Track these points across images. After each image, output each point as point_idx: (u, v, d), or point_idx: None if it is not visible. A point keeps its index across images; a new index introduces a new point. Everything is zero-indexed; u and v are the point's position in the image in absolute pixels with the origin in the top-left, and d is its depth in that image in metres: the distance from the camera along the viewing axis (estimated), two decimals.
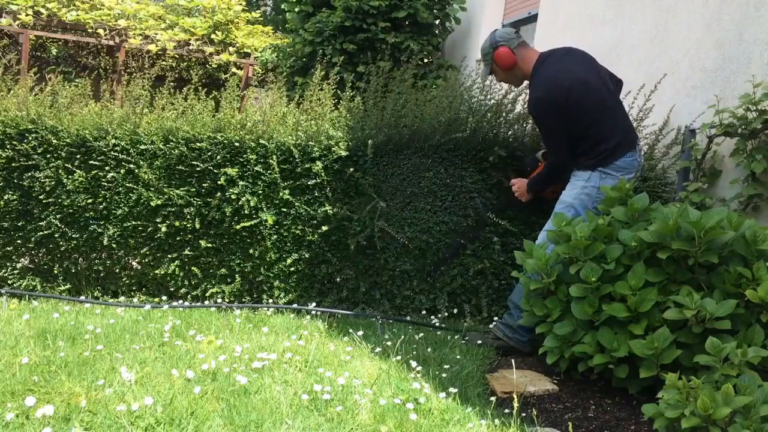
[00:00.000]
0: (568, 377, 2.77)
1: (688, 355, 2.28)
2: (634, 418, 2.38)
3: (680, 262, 2.44)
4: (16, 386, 2.34)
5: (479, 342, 3.16)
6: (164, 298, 3.78)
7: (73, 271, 3.80)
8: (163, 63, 8.62)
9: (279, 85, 4.08)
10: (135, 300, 3.78)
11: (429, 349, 3.02)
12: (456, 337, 3.25)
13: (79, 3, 8.58)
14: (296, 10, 6.69)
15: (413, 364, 2.73)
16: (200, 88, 4.24)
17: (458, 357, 2.94)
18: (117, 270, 3.81)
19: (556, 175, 3.19)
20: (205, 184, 3.65)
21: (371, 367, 2.75)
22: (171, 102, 3.95)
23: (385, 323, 3.42)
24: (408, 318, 3.60)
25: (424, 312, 3.70)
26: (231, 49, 8.75)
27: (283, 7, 7.16)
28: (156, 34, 8.54)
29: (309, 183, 3.61)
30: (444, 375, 2.69)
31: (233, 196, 3.61)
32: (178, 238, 3.71)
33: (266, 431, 2.12)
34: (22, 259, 3.82)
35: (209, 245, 3.68)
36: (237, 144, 3.60)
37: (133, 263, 3.82)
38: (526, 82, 3.25)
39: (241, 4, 9.13)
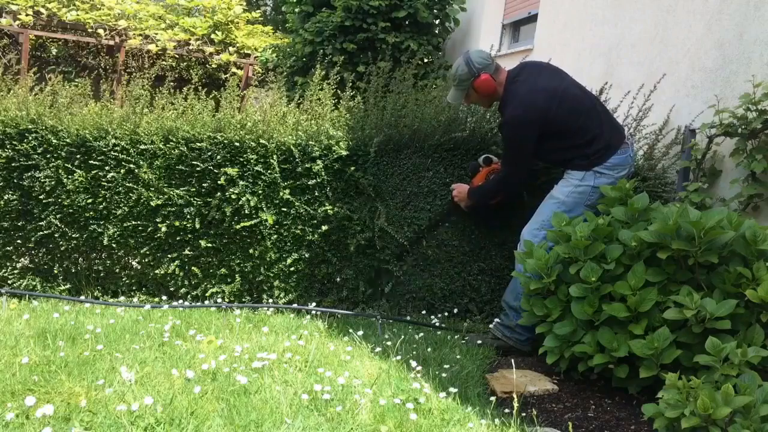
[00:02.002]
0: (568, 377, 2.77)
1: (688, 355, 2.28)
2: (634, 418, 2.38)
3: (680, 262, 2.44)
4: (16, 386, 2.34)
5: (479, 342, 3.17)
6: (164, 298, 3.78)
7: (73, 270, 3.80)
8: (163, 63, 8.62)
9: (279, 85, 4.08)
10: (135, 300, 3.78)
11: (429, 349, 3.02)
12: (456, 337, 3.25)
13: (79, 3, 8.58)
14: (296, 10, 6.69)
15: (413, 364, 2.73)
16: (200, 88, 4.24)
17: (458, 357, 2.94)
18: (117, 270, 3.81)
19: (506, 189, 3.21)
20: (205, 184, 3.65)
21: (371, 366, 2.75)
22: (171, 102, 3.94)
23: (385, 323, 3.42)
24: (408, 318, 3.60)
25: (424, 312, 3.70)
26: (231, 49, 8.75)
27: (283, 8, 7.16)
28: (156, 34, 8.54)
29: (309, 183, 3.61)
30: (444, 375, 2.69)
31: (233, 196, 3.61)
32: (178, 238, 3.71)
33: (266, 431, 2.12)
34: (22, 259, 3.81)
35: (209, 245, 3.68)
36: (237, 144, 3.60)
37: (133, 263, 3.82)
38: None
39: (241, 4, 9.13)
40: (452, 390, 2.49)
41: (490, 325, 3.24)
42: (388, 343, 3.03)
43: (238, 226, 3.62)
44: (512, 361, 2.88)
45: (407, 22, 6.30)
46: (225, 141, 3.60)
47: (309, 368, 2.67)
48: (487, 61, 3.09)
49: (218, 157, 3.61)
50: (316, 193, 3.63)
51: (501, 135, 3.21)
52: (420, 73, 6.04)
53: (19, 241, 3.77)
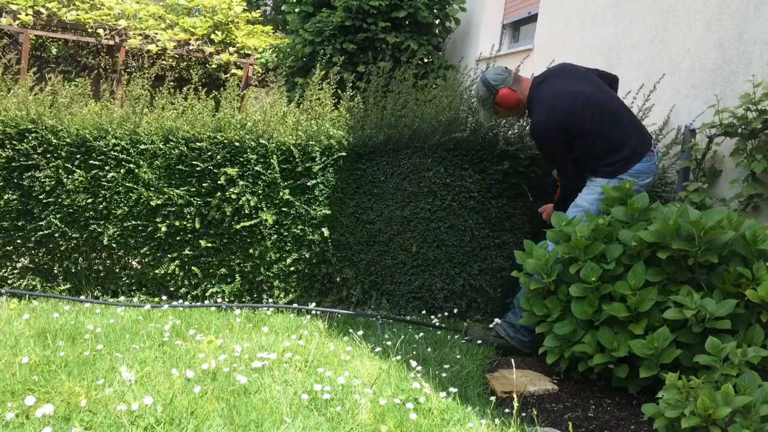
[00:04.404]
0: (568, 377, 2.77)
1: (688, 355, 2.28)
2: (634, 417, 2.38)
3: (680, 262, 2.44)
4: (16, 386, 2.34)
5: (479, 342, 3.17)
6: (164, 297, 3.78)
7: (73, 270, 3.80)
8: (163, 63, 8.62)
9: (279, 85, 4.08)
10: (135, 300, 3.78)
11: (429, 349, 3.02)
12: (456, 336, 3.25)
13: (79, 3, 8.58)
14: (296, 10, 6.69)
15: (413, 363, 2.73)
16: (200, 87, 4.24)
17: (458, 357, 2.94)
18: (117, 270, 3.81)
19: (572, 194, 3.18)
20: (205, 184, 3.65)
21: (371, 366, 2.75)
22: (171, 102, 3.94)
23: (385, 323, 3.42)
24: (408, 318, 3.60)
25: (424, 312, 3.70)
26: (231, 49, 8.75)
27: (283, 8, 7.16)
28: (156, 33, 8.54)
29: (309, 183, 3.61)
30: (444, 375, 2.69)
31: (233, 196, 3.61)
32: (178, 238, 3.71)
33: (266, 431, 2.12)
34: (22, 259, 3.81)
35: (209, 245, 3.68)
36: (237, 144, 3.60)
37: (133, 263, 3.82)
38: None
39: (241, 4, 9.12)
40: (452, 390, 2.49)
41: (494, 323, 3.25)
42: (388, 343, 3.03)
43: (238, 226, 3.62)
44: (512, 361, 2.88)
45: (407, 22, 6.29)
46: (225, 141, 3.60)
47: (309, 368, 2.67)
48: (502, 75, 3.13)
49: (218, 157, 3.61)
50: (316, 193, 3.63)
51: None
52: (420, 73, 6.03)
53: (19, 241, 3.77)
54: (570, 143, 2.98)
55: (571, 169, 3.08)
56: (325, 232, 3.64)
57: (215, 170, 3.62)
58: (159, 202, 3.64)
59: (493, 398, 2.51)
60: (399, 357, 2.84)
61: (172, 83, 4.12)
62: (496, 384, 2.67)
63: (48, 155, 3.68)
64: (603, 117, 2.97)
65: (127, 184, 3.67)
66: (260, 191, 3.62)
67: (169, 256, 3.73)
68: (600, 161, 2.99)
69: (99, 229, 3.72)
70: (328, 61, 5.63)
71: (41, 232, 3.72)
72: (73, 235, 3.73)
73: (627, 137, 2.99)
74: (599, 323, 2.49)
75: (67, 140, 3.66)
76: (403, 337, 3.14)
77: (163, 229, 3.65)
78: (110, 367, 2.58)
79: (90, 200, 3.69)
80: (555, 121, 2.94)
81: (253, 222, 3.62)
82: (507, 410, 2.40)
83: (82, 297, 3.74)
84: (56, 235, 3.73)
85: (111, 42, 8.45)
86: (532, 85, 3.13)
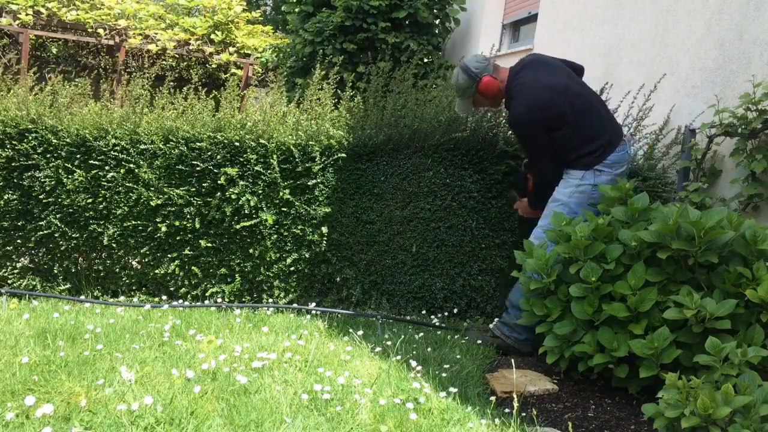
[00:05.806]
0: (568, 377, 2.77)
1: (688, 355, 2.28)
2: (634, 417, 2.38)
3: (680, 262, 2.44)
4: (16, 386, 2.34)
5: (479, 341, 3.17)
6: (164, 297, 3.78)
7: (73, 270, 3.80)
8: (163, 63, 8.61)
9: (279, 85, 4.08)
10: (135, 300, 3.78)
11: (429, 349, 3.02)
12: (456, 336, 3.25)
13: (79, 2, 8.58)
14: (296, 10, 6.69)
15: (413, 363, 2.73)
16: (200, 87, 4.24)
17: (458, 357, 2.94)
18: (117, 270, 3.81)
19: (547, 187, 3.18)
20: (205, 184, 3.65)
21: (371, 366, 2.75)
22: (171, 102, 3.94)
23: (385, 323, 3.42)
24: (408, 318, 3.60)
25: (424, 312, 3.70)
26: (231, 49, 8.75)
27: (283, 8, 7.16)
28: (156, 33, 8.53)
29: (309, 182, 3.61)
30: (444, 374, 2.69)
31: (233, 196, 3.61)
32: (178, 238, 3.71)
33: (266, 431, 2.12)
34: (22, 259, 3.81)
35: (209, 245, 3.68)
36: (237, 144, 3.60)
37: (133, 263, 3.82)
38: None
39: (241, 4, 9.12)
40: (452, 390, 2.49)
41: (491, 324, 3.24)
42: (388, 342, 3.03)
43: (238, 226, 3.62)
44: (512, 360, 2.88)
45: (407, 22, 6.29)
46: (225, 141, 3.61)
47: (309, 368, 2.67)
48: (483, 64, 3.15)
49: (218, 156, 3.61)
50: (316, 193, 3.63)
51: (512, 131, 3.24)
52: (420, 73, 6.03)
53: (19, 241, 3.77)
54: (548, 134, 3.00)
55: (548, 161, 3.09)
56: (325, 231, 3.64)
57: (215, 170, 3.62)
58: (159, 202, 3.64)
59: (493, 398, 2.51)
60: (399, 357, 2.84)
61: (172, 83, 4.12)
62: (496, 384, 2.67)
63: (48, 155, 3.68)
64: (581, 108, 2.99)
65: (127, 184, 3.67)
66: (260, 191, 3.62)
67: (169, 256, 3.73)
68: (576, 152, 3.00)
69: (99, 229, 3.72)
70: (329, 62, 5.63)
71: (41, 232, 3.72)
72: (73, 235, 3.73)
73: (603, 128, 3.02)
74: (599, 323, 2.49)
75: (67, 140, 3.66)
76: (403, 337, 3.14)
77: (163, 229, 3.66)
78: (110, 367, 2.58)
79: (90, 200, 3.69)
80: (535, 113, 2.96)
81: (253, 222, 3.62)
82: (507, 410, 2.40)
83: (82, 297, 3.74)
84: (56, 235, 3.73)
85: (111, 42, 8.45)
86: (509, 75, 3.13)
